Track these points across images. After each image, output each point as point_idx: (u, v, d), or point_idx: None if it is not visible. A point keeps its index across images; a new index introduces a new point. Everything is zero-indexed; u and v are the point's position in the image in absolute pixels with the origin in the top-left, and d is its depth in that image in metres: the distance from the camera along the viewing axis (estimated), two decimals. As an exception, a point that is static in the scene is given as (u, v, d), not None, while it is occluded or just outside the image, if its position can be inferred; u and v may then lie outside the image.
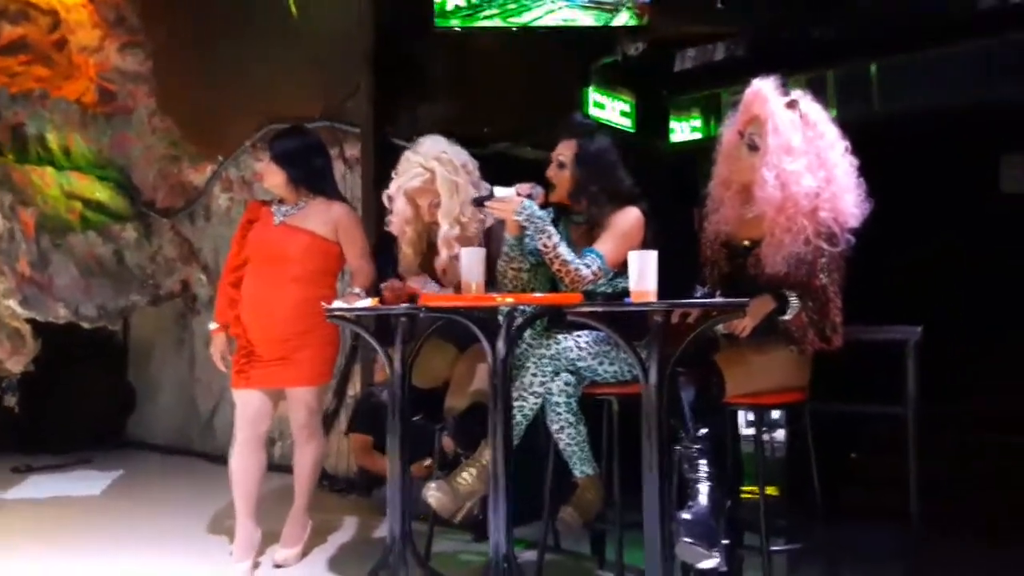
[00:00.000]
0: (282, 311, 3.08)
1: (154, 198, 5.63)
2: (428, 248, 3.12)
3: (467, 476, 2.61)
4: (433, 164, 2.98)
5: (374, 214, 4.48)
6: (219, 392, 5.17)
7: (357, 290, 3.05)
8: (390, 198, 3.09)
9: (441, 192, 2.97)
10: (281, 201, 3.25)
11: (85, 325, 4.96)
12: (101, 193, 5.48)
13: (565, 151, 2.84)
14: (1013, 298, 5.68)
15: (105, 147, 5.69)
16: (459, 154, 3.05)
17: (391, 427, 2.79)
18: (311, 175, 3.23)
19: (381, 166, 4.50)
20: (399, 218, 3.08)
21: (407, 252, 3.13)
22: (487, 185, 3.02)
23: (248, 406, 3.14)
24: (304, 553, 3.31)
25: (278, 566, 3.18)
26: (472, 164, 3.08)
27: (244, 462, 3.14)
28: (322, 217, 3.18)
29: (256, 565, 3.12)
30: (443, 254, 2.99)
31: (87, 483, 4.36)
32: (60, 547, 3.37)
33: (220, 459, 4.97)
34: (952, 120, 6.03)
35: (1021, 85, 6.02)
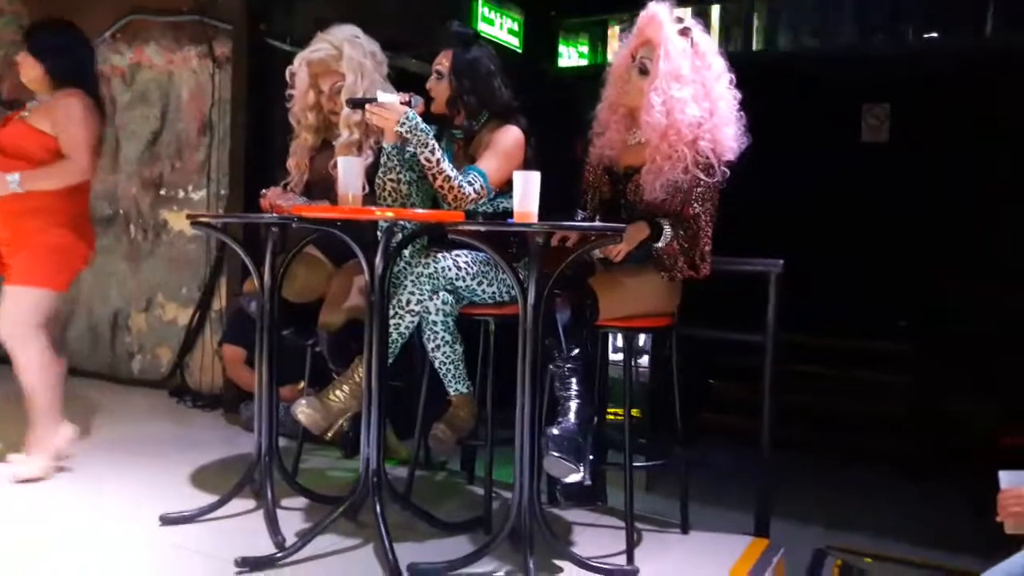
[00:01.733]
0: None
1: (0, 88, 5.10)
2: (322, 147, 3.02)
3: (339, 393, 2.57)
4: (342, 43, 2.90)
5: (246, 115, 4.25)
6: (71, 299, 4.86)
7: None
8: (292, 74, 2.98)
9: (346, 72, 2.89)
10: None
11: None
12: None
13: (443, 60, 2.79)
14: (867, 239, 6.11)
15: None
16: (371, 43, 3.00)
17: (259, 340, 2.70)
18: (67, 70, 3.06)
19: (255, 66, 4.25)
20: (300, 102, 3.01)
21: (306, 138, 3.03)
22: (392, 90, 2.90)
23: None
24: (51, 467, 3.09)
25: (22, 481, 2.96)
26: (382, 57, 3.01)
27: None
28: (50, 109, 3.01)
29: None
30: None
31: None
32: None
33: (74, 371, 4.69)
34: (824, 66, 6.29)
35: (889, 37, 6.35)
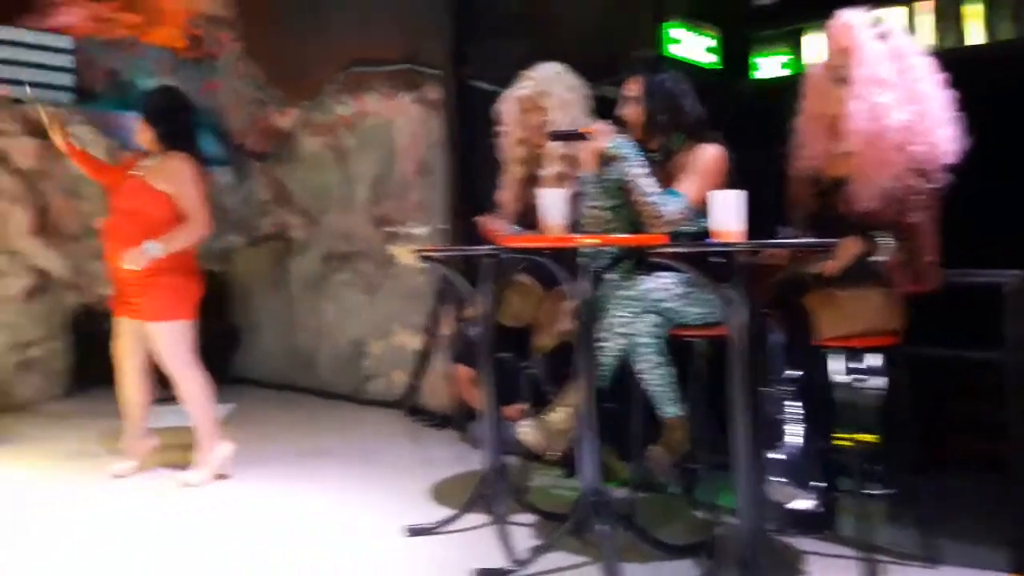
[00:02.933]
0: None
1: (244, 142, 5.82)
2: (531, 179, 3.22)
3: (558, 415, 2.70)
4: (546, 80, 3.12)
5: (456, 154, 4.56)
6: (318, 331, 5.43)
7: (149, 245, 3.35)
8: (499, 112, 3.21)
9: (550, 107, 3.08)
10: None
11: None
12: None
13: (632, 86, 2.88)
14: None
15: (195, 92, 5.88)
16: (573, 77, 3.21)
17: (481, 364, 2.91)
18: (174, 134, 3.55)
19: (461, 108, 4.55)
20: (508, 138, 3.24)
21: (515, 171, 3.24)
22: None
23: (120, 336, 3.58)
24: (216, 474, 3.55)
25: (188, 485, 3.45)
26: (584, 90, 3.18)
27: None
28: (164, 169, 3.48)
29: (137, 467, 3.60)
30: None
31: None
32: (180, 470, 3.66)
33: (322, 394, 5.27)
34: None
35: None
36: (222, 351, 5.73)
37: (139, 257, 3.35)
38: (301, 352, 5.55)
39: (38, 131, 4.96)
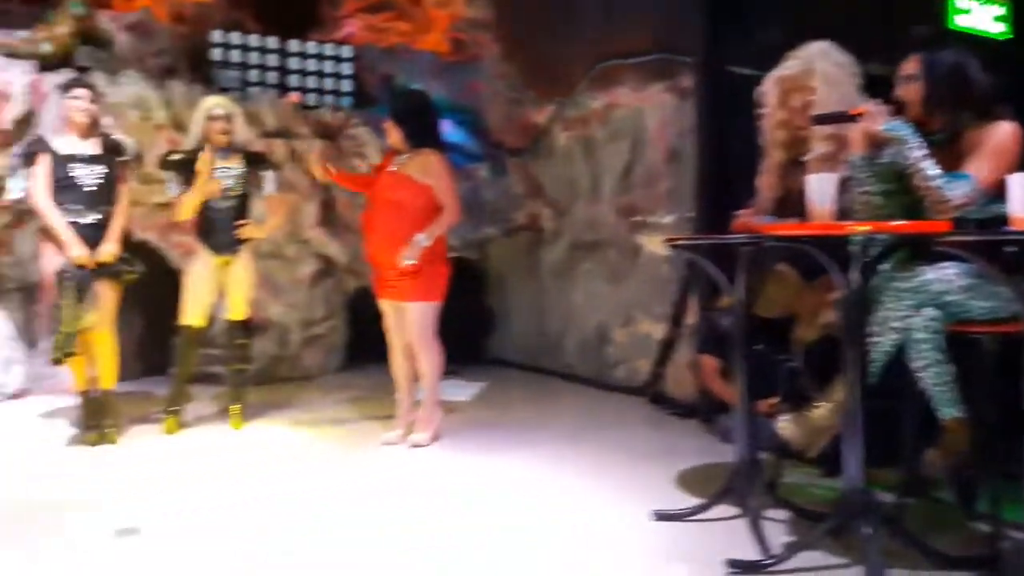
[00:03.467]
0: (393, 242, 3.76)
1: (502, 139, 6.12)
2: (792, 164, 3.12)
3: (821, 411, 2.59)
4: (813, 58, 3.00)
5: (708, 141, 4.49)
6: (566, 316, 5.60)
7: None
8: (762, 95, 3.15)
9: (818, 85, 2.95)
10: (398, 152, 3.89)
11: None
12: (457, 136, 6.08)
13: (911, 65, 2.66)
14: None
15: (458, 93, 6.29)
16: (842, 55, 3.08)
17: (735, 355, 2.84)
18: (421, 133, 3.86)
19: (715, 94, 4.47)
20: (769, 121, 3.17)
21: (775, 156, 3.15)
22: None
23: (387, 316, 3.96)
24: (435, 437, 3.91)
25: (414, 446, 3.83)
26: (854, 68, 3.04)
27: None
28: (418, 164, 3.79)
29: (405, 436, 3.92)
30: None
31: (457, 391, 5.02)
32: (442, 442, 3.98)
33: (568, 377, 5.43)
34: None
35: None
36: (477, 333, 6.09)
37: (413, 250, 3.71)
38: (549, 336, 5.75)
39: (326, 133, 5.57)
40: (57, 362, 3.82)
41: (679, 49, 4.71)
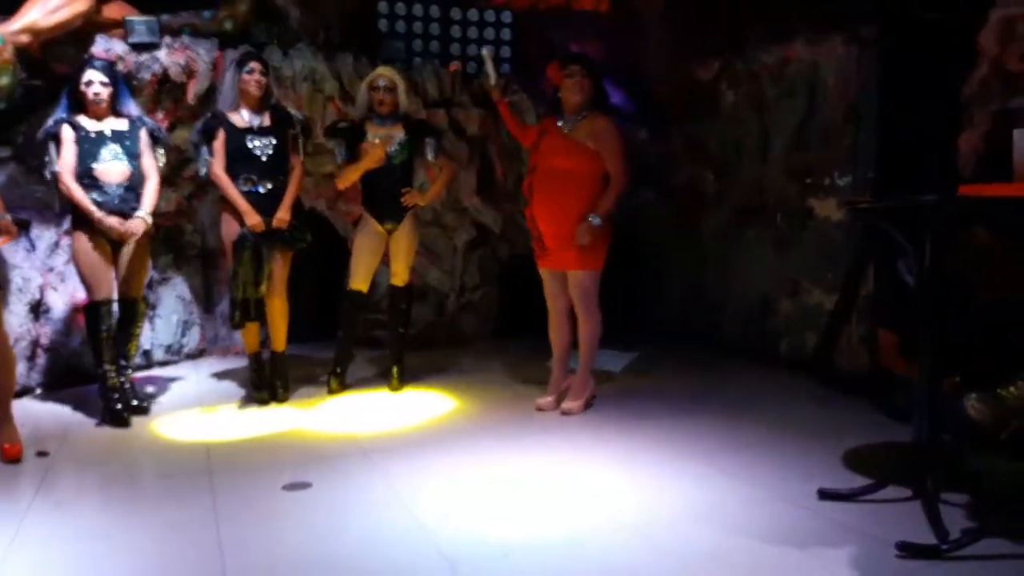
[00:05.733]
0: (562, 211, 3.76)
1: (663, 99, 5.91)
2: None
3: (1014, 390, 2.34)
4: None
5: (891, 98, 4.12)
6: (727, 284, 5.37)
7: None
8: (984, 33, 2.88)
9: None
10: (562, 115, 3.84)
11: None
12: (616, 96, 5.92)
13: None
14: None
15: (620, 52, 6.11)
16: None
17: (919, 328, 2.60)
18: (602, 98, 3.88)
19: (900, 45, 4.08)
20: (983, 66, 2.89)
21: (985, 108, 2.88)
22: None
23: (547, 283, 3.97)
24: (587, 405, 3.91)
25: (565, 412, 3.86)
26: None
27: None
28: (589, 128, 3.77)
29: (557, 403, 3.95)
30: None
31: (613, 360, 4.94)
32: (595, 410, 3.95)
33: (729, 348, 5.22)
34: None
35: None
36: (635, 302, 5.97)
37: (587, 232, 3.70)
38: (709, 305, 5.54)
39: (484, 102, 5.59)
40: (236, 327, 4.09)
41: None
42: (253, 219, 3.96)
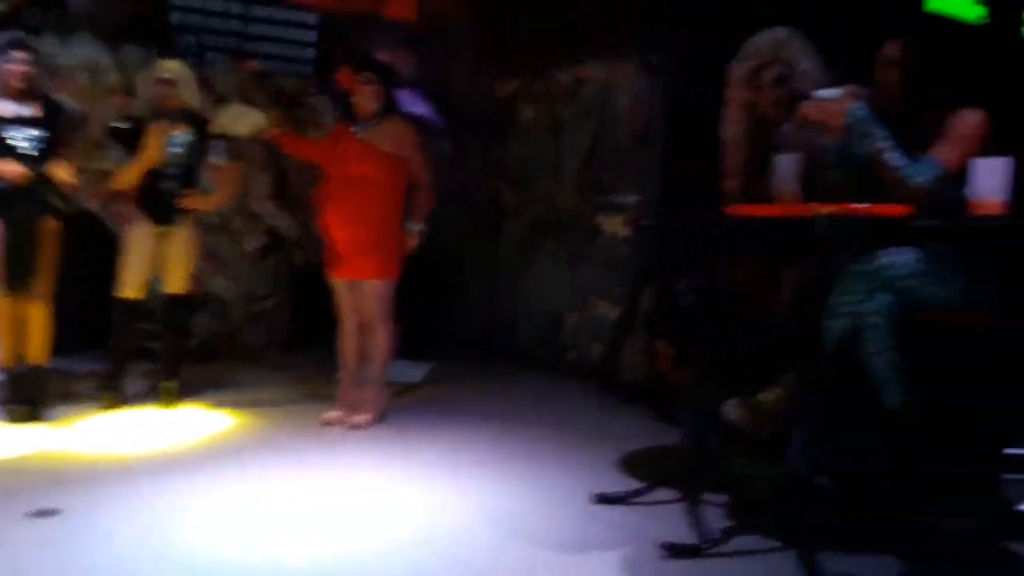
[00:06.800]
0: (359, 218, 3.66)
1: (466, 113, 5.96)
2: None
3: (769, 396, 2.53)
4: (787, 35, 2.95)
5: (675, 122, 4.39)
6: (523, 297, 5.48)
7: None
8: (731, 74, 3.06)
9: (796, 58, 2.96)
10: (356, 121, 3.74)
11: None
12: (420, 108, 5.90)
13: (892, 49, 2.60)
14: None
15: (423, 65, 6.09)
16: (804, 42, 3.07)
17: (690, 339, 2.77)
18: (391, 101, 3.81)
19: (685, 75, 4.35)
20: (735, 100, 3.13)
21: (740, 140, 3.13)
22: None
23: (339, 294, 3.83)
24: (378, 419, 3.78)
25: (354, 427, 3.71)
26: (818, 55, 2.99)
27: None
28: (388, 134, 3.69)
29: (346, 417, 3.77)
30: None
31: (406, 372, 4.86)
32: (387, 423, 3.87)
33: (522, 359, 5.32)
34: None
35: None
36: (433, 313, 5.94)
37: (412, 239, 3.69)
38: (505, 317, 5.63)
39: (283, 102, 5.37)
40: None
41: (651, 25, 4.60)
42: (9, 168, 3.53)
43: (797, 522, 2.31)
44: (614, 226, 4.78)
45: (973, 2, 4.72)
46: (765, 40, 2.98)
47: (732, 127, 3.09)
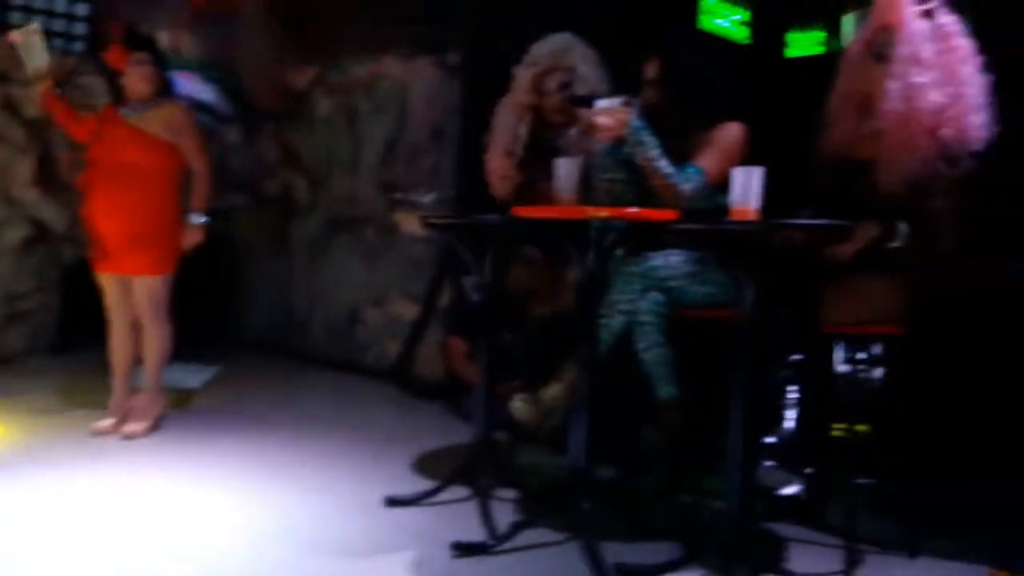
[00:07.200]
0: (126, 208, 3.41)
1: (257, 101, 5.71)
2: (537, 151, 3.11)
3: (552, 391, 2.61)
4: (571, 42, 2.98)
5: (472, 121, 4.42)
6: (317, 295, 5.33)
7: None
8: (516, 76, 3.09)
9: (578, 63, 2.96)
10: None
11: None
12: (207, 94, 5.59)
13: (651, 67, 2.77)
14: None
15: (212, 48, 5.77)
16: (587, 49, 3.12)
17: (479, 336, 2.81)
18: (166, 83, 3.56)
19: (481, 73, 4.41)
20: (517, 102, 3.11)
21: (521, 137, 3.13)
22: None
23: (109, 291, 3.56)
24: (154, 426, 3.53)
25: (128, 436, 3.44)
26: (600, 62, 3.08)
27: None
28: (161, 118, 3.45)
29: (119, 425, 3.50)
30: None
31: (189, 375, 4.60)
32: (163, 432, 3.61)
33: (315, 360, 5.18)
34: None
35: None
36: (218, 312, 5.64)
37: (196, 233, 3.45)
38: (298, 316, 5.45)
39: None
40: None
41: (449, 23, 4.61)
42: None
43: (578, 513, 2.40)
44: (411, 224, 4.76)
45: (738, 24, 5.17)
46: (549, 46, 3.06)
47: (507, 130, 3.14)
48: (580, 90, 2.92)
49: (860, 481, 2.50)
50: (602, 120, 2.56)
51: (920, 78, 2.30)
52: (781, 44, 6.11)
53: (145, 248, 3.41)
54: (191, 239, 3.49)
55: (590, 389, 2.40)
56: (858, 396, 2.46)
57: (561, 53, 3.01)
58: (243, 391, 4.42)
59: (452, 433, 3.69)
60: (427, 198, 4.74)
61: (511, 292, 3.03)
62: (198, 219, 3.47)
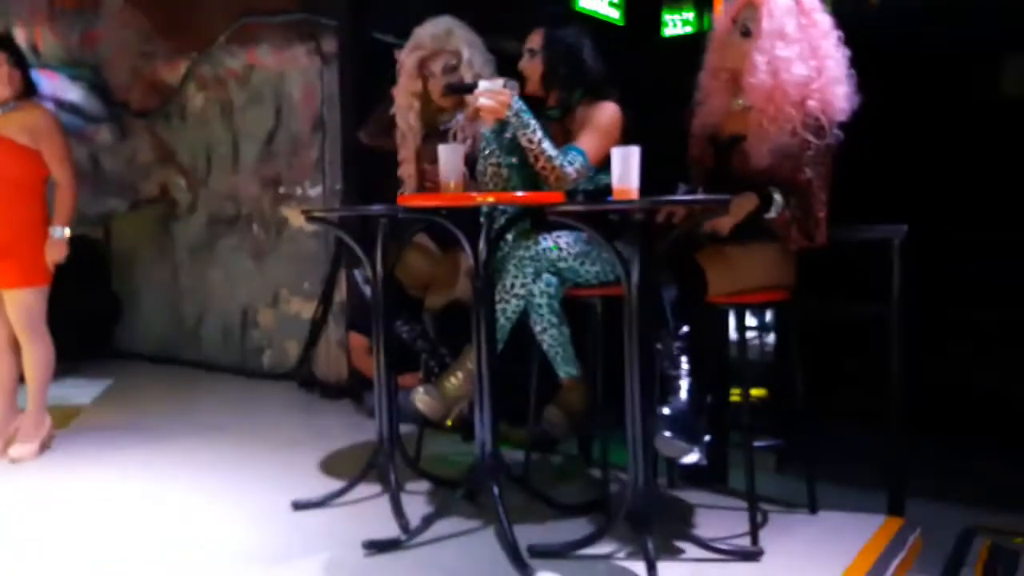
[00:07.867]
0: None
1: (128, 98, 5.44)
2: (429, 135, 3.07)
3: (454, 380, 2.61)
4: (448, 24, 2.94)
5: (354, 110, 4.35)
6: (205, 298, 5.16)
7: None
8: (400, 63, 3.03)
9: (461, 47, 2.93)
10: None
11: (65, 232, 4.88)
12: (73, 93, 5.28)
13: (534, 39, 2.80)
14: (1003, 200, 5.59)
15: (75, 44, 5.46)
16: (469, 32, 3.06)
17: (375, 330, 2.78)
18: (30, 81, 3.34)
19: (361, 61, 4.34)
20: (405, 89, 3.02)
21: (414, 126, 3.05)
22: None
23: None
24: (43, 447, 3.39)
25: (15, 460, 3.28)
26: (484, 46, 3.05)
27: None
28: (21, 122, 3.24)
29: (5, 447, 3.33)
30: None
31: (76, 391, 4.38)
32: (54, 452, 3.43)
33: (209, 367, 5.02)
34: (952, 13, 5.78)
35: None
36: (101, 323, 5.39)
37: (59, 248, 3.25)
38: (187, 322, 5.26)
39: None
40: None
41: (322, 10, 4.50)
42: None
43: (490, 499, 2.41)
44: (300, 219, 4.65)
45: (610, 4, 5.27)
46: (431, 29, 3.01)
47: (402, 116, 3.10)
48: (466, 74, 2.90)
49: (759, 444, 2.61)
50: (484, 102, 2.55)
51: (784, 52, 2.38)
52: (656, 24, 6.28)
53: (10, 260, 3.21)
54: (54, 254, 3.28)
55: (492, 375, 2.41)
56: (751, 362, 2.57)
57: (444, 36, 2.98)
58: (137, 405, 4.25)
59: (358, 431, 3.66)
60: (314, 191, 4.63)
61: (406, 283, 3.00)
62: (61, 233, 3.27)
